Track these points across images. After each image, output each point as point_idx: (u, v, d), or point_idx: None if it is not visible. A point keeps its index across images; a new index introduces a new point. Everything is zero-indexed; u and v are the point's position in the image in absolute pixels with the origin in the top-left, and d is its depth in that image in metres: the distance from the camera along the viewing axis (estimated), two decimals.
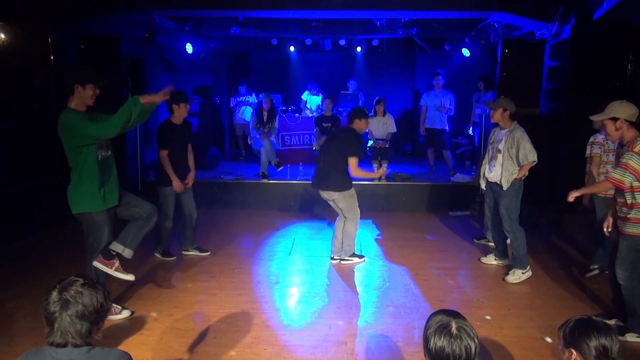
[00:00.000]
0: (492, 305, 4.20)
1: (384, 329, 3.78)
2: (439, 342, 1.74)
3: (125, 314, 3.89)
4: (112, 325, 3.73)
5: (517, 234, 4.72)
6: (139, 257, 5.14)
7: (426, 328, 1.83)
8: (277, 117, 8.47)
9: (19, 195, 5.92)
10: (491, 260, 5.21)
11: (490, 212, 5.11)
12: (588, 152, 4.69)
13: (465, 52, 9.20)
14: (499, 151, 4.74)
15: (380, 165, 7.88)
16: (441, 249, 5.73)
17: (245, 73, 11.16)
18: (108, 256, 3.69)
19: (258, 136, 8.02)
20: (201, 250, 5.48)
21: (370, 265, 5.18)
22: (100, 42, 7.09)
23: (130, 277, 3.83)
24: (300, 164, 8.29)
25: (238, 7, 7.19)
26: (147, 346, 3.46)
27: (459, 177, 7.85)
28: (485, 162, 5.06)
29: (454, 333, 1.74)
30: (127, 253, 3.75)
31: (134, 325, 3.78)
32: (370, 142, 8.24)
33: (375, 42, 10.19)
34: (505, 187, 4.67)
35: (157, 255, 5.28)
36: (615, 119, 3.40)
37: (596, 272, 4.84)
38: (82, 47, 7.00)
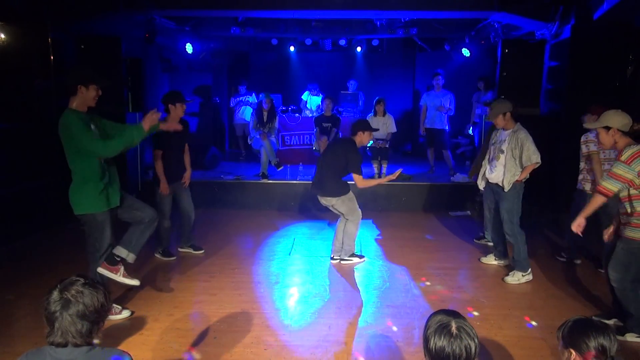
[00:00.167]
0: (492, 305, 4.21)
1: (384, 329, 3.79)
2: (439, 342, 1.74)
3: (126, 314, 3.90)
4: (112, 325, 3.73)
5: (517, 237, 4.69)
6: (139, 258, 5.12)
7: (426, 328, 1.83)
8: (277, 117, 8.47)
9: (19, 195, 5.92)
10: (491, 260, 5.21)
11: (490, 213, 5.10)
12: (585, 150, 4.74)
13: (465, 52, 9.20)
14: (502, 152, 4.69)
15: (380, 166, 7.89)
16: (441, 249, 5.73)
17: (245, 73, 11.16)
18: (112, 262, 3.73)
19: (258, 136, 8.02)
20: (195, 249, 5.50)
21: (370, 265, 5.18)
22: (100, 42, 7.09)
23: (135, 282, 3.87)
24: (300, 164, 8.30)
25: (238, 7, 7.19)
26: (147, 346, 3.47)
27: (459, 177, 7.85)
28: (485, 162, 5.05)
29: (454, 333, 1.74)
30: (131, 258, 3.81)
31: (134, 325, 3.78)
32: (370, 142, 8.22)
33: (375, 42, 10.19)
34: (506, 189, 4.64)
35: (157, 255, 5.28)
36: (608, 128, 3.44)
37: (564, 259, 5.28)
38: (82, 47, 7.00)
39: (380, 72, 11.31)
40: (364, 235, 6.16)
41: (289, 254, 5.51)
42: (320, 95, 9.67)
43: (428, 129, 8.48)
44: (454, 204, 7.45)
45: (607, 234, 3.70)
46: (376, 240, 6.08)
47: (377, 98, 8.11)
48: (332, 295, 4.44)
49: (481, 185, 5.14)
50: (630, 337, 3.58)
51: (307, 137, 9.35)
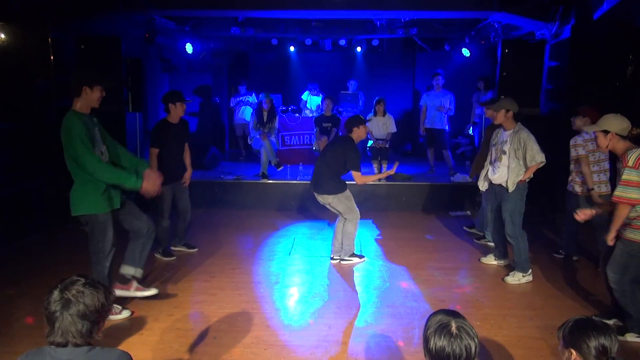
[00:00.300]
0: (492, 305, 4.21)
1: (384, 329, 3.79)
2: (439, 342, 1.74)
3: (126, 314, 3.90)
4: (112, 325, 3.73)
5: (519, 238, 4.67)
6: None
7: (426, 328, 1.83)
8: (277, 117, 8.47)
9: (19, 195, 5.92)
10: (491, 260, 5.21)
11: (492, 214, 5.04)
12: (574, 154, 4.85)
13: (465, 52, 9.20)
14: (504, 152, 4.66)
15: (380, 166, 7.89)
16: (441, 249, 5.73)
17: (245, 73, 11.16)
18: (124, 281, 3.91)
19: (258, 136, 8.02)
20: (189, 247, 5.51)
21: (370, 265, 5.18)
22: (100, 42, 7.09)
23: (153, 291, 4.06)
24: (300, 164, 8.29)
25: (238, 7, 7.20)
26: (147, 346, 3.47)
27: (459, 177, 7.85)
28: (487, 163, 5.02)
29: (454, 333, 1.74)
30: (139, 273, 3.96)
31: (134, 325, 3.78)
32: (370, 142, 8.24)
33: (375, 42, 10.19)
34: (511, 189, 4.60)
35: (158, 255, 5.28)
36: (606, 132, 3.44)
37: (562, 256, 5.36)
38: (82, 47, 7.01)
39: (380, 72, 11.30)
40: (364, 235, 6.16)
41: (289, 254, 5.51)
42: (320, 95, 9.67)
43: (428, 129, 8.48)
44: (454, 204, 7.45)
45: (611, 237, 3.56)
46: (376, 240, 6.08)
47: (377, 98, 8.11)
48: (332, 295, 4.44)
49: (483, 186, 5.08)
50: (630, 337, 3.58)
51: (307, 137, 9.35)
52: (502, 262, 5.14)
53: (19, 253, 5.43)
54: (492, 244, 5.44)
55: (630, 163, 3.29)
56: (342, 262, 5.20)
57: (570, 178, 5.02)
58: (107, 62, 6.94)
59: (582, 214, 3.64)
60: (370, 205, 7.35)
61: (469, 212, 7.24)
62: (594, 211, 3.66)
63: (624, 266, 3.48)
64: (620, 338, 3.47)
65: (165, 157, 4.99)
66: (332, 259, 5.26)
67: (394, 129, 8.02)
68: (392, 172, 5.00)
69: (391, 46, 11.06)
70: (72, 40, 6.93)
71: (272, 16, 8.10)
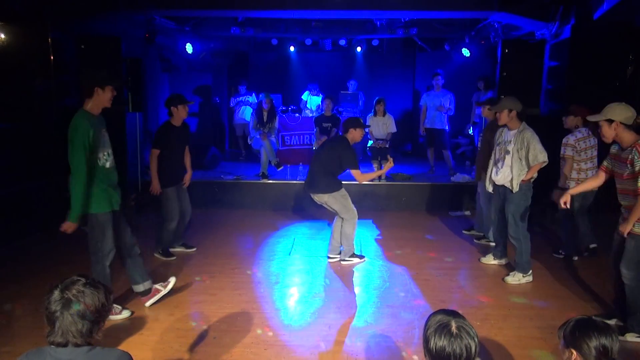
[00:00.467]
0: (492, 305, 4.21)
1: (384, 329, 3.79)
2: (439, 341, 1.74)
3: (126, 314, 3.90)
4: (112, 325, 3.73)
5: (521, 240, 4.65)
6: None
7: (426, 328, 1.82)
8: (277, 117, 8.47)
9: (19, 195, 5.92)
10: (491, 260, 5.20)
11: (497, 214, 5.00)
12: (562, 153, 4.94)
13: (465, 52, 9.20)
14: (508, 152, 4.64)
15: (380, 166, 7.88)
16: (441, 249, 5.73)
17: (245, 73, 11.16)
18: (146, 293, 4.08)
19: (258, 136, 8.02)
20: (187, 247, 5.52)
21: (370, 265, 5.18)
22: (100, 42, 7.08)
23: (172, 280, 4.23)
24: (300, 164, 8.30)
25: (238, 7, 7.19)
26: (147, 346, 3.47)
27: (459, 177, 7.85)
28: (491, 163, 4.99)
29: (454, 332, 1.74)
30: (148, 284, 4.08)
31: (134, 325, 3.78)
32: (370, 142, 8.24)
33: (375, 42, 10.19)
34: (515, 190, 4.58)
35: (157, 255, 5.28)
36: (611, 121, 3.40)
37: (562, 256, 5.37)
38: (82, 47, 7.00)
39: (380, 72, 11.30)
40: (364, 235, 6.16)
41: (289, 254, 5.51)
42: (320, 95, 9.67)
43: (428, 129, 8.48)
44: (454, 204, 7.45)
45: (627, 229, 3.46)
46: (376, 240, 6.08)
47: (377, 98, 8.11)
48: (332, 295, 4.43)
49: (489, 187, 5.01)
50: (631, 337, 3.58)
51: (307, 137, 9.34)
52: (501, 262, 5.14)
53: (19, 253, 5.43)
54: (492, 243, 5.43)
55: None
56: (342, 262, 5.20)
57: (560, 180, 5.07)
58: (107, 62, 6.94)
59: (558, 198, 3.70)
60: (370, 205, 7.35)
61: (468, 212, 7.23)
62: (567, 195, 3.75)
63: (638, 262, 3.44)
64: (621, 338, 3.46)
65: (167, 159, 5.04)
66: (328, 257, 5.25)
67: (394, 129, 8.02)
68: (390, 164, 5.01)
69: (391, 46, 11.06)
70: (72, 40, 6.92)
71: (272, 16, 8.10)
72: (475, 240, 5.97)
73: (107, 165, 3.72)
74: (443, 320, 1.79)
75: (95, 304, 1.83)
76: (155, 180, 4.99)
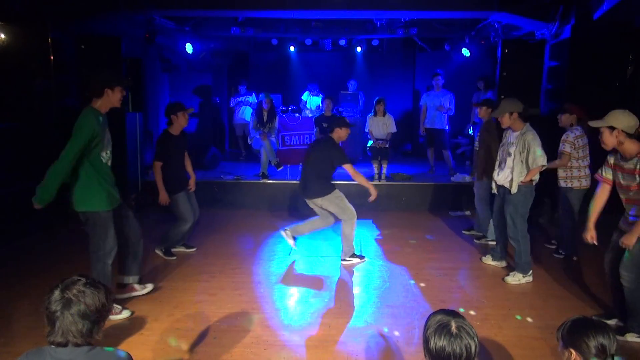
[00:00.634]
0: (492, 305, 4.21)
1: (384, 329, 3.79)
2: (439, 341, 1.74)
3: (126, 314, 3.90)
4: (112, 325, 3.73)
5: (520, 241, 4.64)
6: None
7: (426, 328, 1.83)
8: (277, 117, 8.47)
9: (19, 195, 5.91)
10: (489, 260, 5.20)
11: (497, 215, 4.99)
12: (561, 148, 5.02)
13: (465, 52, 9.20)
14: (510, 154, 4.64)
15: (380, 166, 7.88)
16: (441, 249, 5.73)
17: (245, 73, 11.16)
18: (125, 286, 4.17)
19: (258, 136, 8.02)
20: (187, 247, 5.53)
21: (370, 265, 5.18)
22: (100, 42, 7.09)
23: (149, 287, 4.31)
24: (300, 164, 8.28)
25: (238, 7, 7.20)
26: (147, 346, 3.47)
27: (459, 177, 7.85)
28: (496, 164, 4.97)
29: (454, 332, 1.74)
30: (136, 280, 4.20)
31: (134, 325, 3.78)
32: (370, 142, 8.24)
33: (375, 42, 10.20)
34: (513, 191, 4.58)
35: (159, 252, 5.27)
36: (612, 128, 3.31)
37: (553, 246, 5.58)
38: (82, 47, 7.01)
39: (380, 72, 11.31)
40: (364, 235, 6.16)
41: (289, 254, 5.51)
42: (320, 96, 9.68)
43: (428, 129, 8.48)
44: (454, 204, 7.45)
45: (630, 243, 3.44)
46: (376, 240, 6.08)
47: (377, 98, 8.11)
48: (332, 295, 4.43)
49: (495, 188, 5.00)
50: (631, 337, 3.57)
51: (307, 137, 9.33)
52: (500, 263, 5.12)
53: (19, 253, 5.43)
54: (492, 242, 5.43)
55: None
56: (343, 262, 5.20)
57: (558, 174, 5.16)
58: (107, 62, 6.94)
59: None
60: (370, 205, 7.29)
61: (468, 212, 7.23)
62: (591, 230, 3.67)
63: (639, 265, 3.41)
64: (621, 338, 3.47)
65: (172, 168, 5.07)
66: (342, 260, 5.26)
67: (394, 129, 8.02)
68: (374, 196, 5.19)
69: (391, 46, 11.06)
70: (72, 40, 6.93)
71: (272, 16, 8.10)
72: (475, 240, 5.97)
73: (109, 163, 3.77)
74: (443, 320, 1.79)
75: (96, 304, 1.83)
76: (163, 191, 5.00)
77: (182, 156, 5.27)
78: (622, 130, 3.28)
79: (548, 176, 5.00)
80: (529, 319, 3.93)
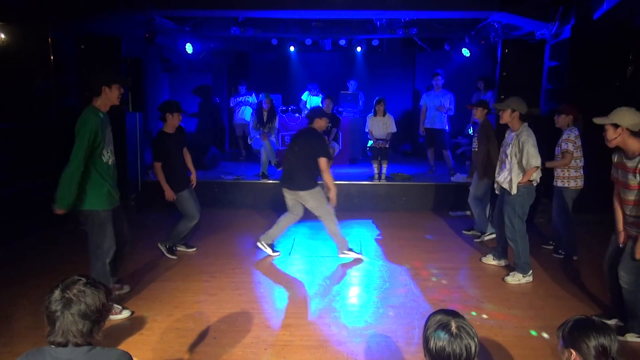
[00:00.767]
0: (492, 305, 4.20)
1: (384, 329, 3.79)
2: (439, 341, 1.74)
3: (126, 314, 3.90)
4: (112, 325, 3.73)
5: (518, 241, 4.64)
6: (139, 258, 5.15)
7: (426, 328, 1.83)
8: (277, 117, 8.48)
9: (19, 195, 5.92)
10: (490, 260, 5.21)
11: (498, 215, 4.99)
12: (564, 147, 5.06)
13: (465, 52, 9.20)
14: (506, 155, 4.65)
15: (380, 166, 7.88)
16: (441, 249, 5.73)
17: (245, 73, 11.17)
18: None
19: (258, 136, 8.02)
20: (188, 247, 5.54)
21: (370, 265, 5.18)
22: (100, 42, 7.09)
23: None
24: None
25: (238, 7, 7.19)
26: (147, 346, 3.47)
27: (459, 177, 7.85)
28: (498, 164, 4.99)
29: (454, 332, 1.74)
30: (111, 281, 4.06)
31: (134, 325, 3.78)
32: (370, 142, 8.25)
33: (375, 42, 10.20)
34: (512, 192, 4.57)
35: (162, 247, 5.27)
36: (616, 126, 3.29)
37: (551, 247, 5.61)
38: (82, 47, 7.00)
39: (380, 72, 11.31)
40: (364, 235, 6.16)
41: (289, 254, 5.51)
42: (320, 95, 9.67)
43: (428, 129, 8.49)
44: (454, 204, 7.45)
45: (621, 237, 3.52)
46: (376, 240, 6.08)
47: (377, 98, 8.11)
48: (332, 295, 4.43)
49: (497, 189, 4.99)
50: (631, 337, 3.58)
51: None
52: (500, 263, 5.14)
53: (19, 253, 5.43)
54: (493, 235, 5.43)
55: None
56: (341, 255, 5.22)
57: (555, 174, 5.22)
58: (107, 62, 6.94)
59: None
60: (370, 205, 7.35)
61: (469, 212, 7.23)
62: (621, 233, 3.56)
63: (638, 267, 3.40)
64: (621, 338, 3.47)
65: (172, 167, 5.10)
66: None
67: (394, 129, 8.03)
68: (333, 200, 5.09)
69: (391, 46, 11.06)
70: (72, 40, 6.92)
71: (272, 16, 8.10)
72: (475, 240, 5.98)
73: (110, 162, 3.78)
74: (443, 320, 1.79)
75: (96, 304, 1.83)
76: (168, 189, 5.05)
77: (182, 153, 5.28)
78: (627, 128, 3.26)
79: (544, 176, 5.00)
80: (529, 319, 3.92)
